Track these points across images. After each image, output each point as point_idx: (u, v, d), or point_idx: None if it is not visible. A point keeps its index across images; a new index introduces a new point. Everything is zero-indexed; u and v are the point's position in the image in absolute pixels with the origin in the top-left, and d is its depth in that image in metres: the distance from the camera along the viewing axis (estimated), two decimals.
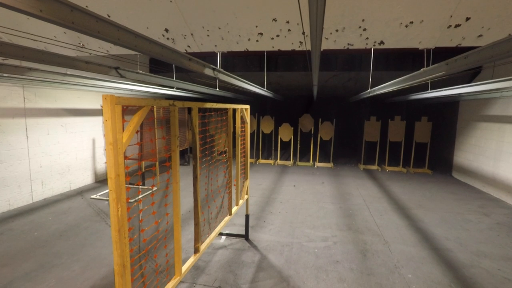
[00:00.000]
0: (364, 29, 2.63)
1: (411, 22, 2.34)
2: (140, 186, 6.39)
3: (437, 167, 9.41)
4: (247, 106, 3.60)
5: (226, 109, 3.02)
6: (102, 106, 1.31)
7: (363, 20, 2.42)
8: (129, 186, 6.38)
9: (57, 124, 6.16)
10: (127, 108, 1.53)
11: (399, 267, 3.57)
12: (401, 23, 2.40)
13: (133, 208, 4.64)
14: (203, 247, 2.47)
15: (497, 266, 3.66)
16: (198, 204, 2.34)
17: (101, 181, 7.43)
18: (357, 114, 10.26)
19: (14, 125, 5.29)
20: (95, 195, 4.00)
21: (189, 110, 2.18)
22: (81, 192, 6.42)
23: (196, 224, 2.37)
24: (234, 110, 3.28)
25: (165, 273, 1.98)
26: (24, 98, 5.43)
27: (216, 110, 2.83)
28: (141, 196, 5.81)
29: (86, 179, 6.99)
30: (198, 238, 2.38)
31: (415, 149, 9.25)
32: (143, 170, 7.02)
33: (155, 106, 2.00)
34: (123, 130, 1.41)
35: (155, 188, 6.11)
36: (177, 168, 1.93)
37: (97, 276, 3.20)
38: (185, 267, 2.14)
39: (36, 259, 3.54)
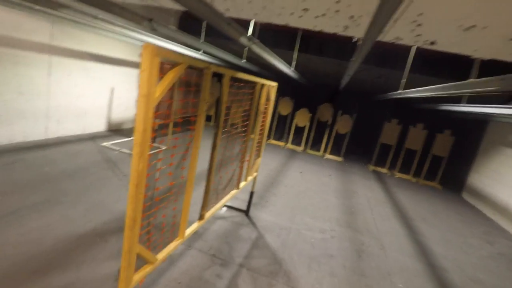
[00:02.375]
0: (419, 25, 2.43)
1: (473, 26, 2.15)
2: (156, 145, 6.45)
3: (448, 184, 9.21)
4: (275, 84, 3.48)
5: (255, 83, 2.92)
6: (140, 55, 1.26)
7: (420, 14, 2.23)
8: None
9: (79, 67, 6.14)
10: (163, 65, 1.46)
11: (392, 274, 3.56)
12: (461, 25, 2.21)
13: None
14: (207, 215, 2.47)
15: None
16: (212, 173, 2.31)
17: (113, 130, 7.50)
18: (379, 114, 9.98)
19: (38, 60, 5.28)
20: (107, 143, 4.04)
21: (219, 77, 2.11)
22: (93, 137, 6.51)
23: (206, 192, 2.36)
24: (262, 85, 3.17)
25: (170, 233, 1.99)
26: (51, 34, 5.38)
27: (246, 82, 2.73)
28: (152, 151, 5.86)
29: (100, 125, 7.05)
30: (205, 206, 2.37)
31: (430, 161, 9.03)
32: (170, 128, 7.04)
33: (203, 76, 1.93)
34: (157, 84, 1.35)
35: (164, 147, 6.14)
36: (201, 133, 1.88)
37: (99, 220, 3.27)
38: (188, 231, 2.14)
39: (44, 192, 3.64)
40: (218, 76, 2.78)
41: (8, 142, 5.01)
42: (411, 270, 3.75)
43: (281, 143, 10.21)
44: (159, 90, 1.35)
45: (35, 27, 5.06)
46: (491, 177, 7.59)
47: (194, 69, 1.72)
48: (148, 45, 1.22)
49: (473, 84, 2.51)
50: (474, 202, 8.04)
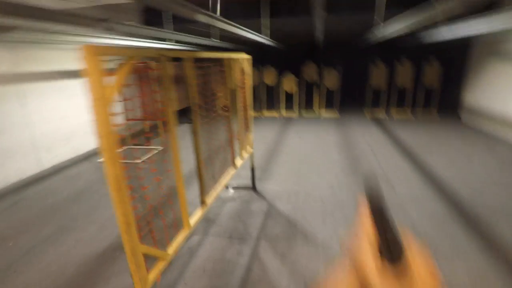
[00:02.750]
0: None
1: None
2: (147, 147, 6.43)
3: (445, 112, 9.20)
4: (248, 56, 3.39)
5: (224, 59, 2.84)
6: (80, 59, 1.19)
7: None
8: (136, 147, 6.37)
9: (53, 89, 5.99)
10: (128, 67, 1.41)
11: (404, 206, 3.64)
12: None
13: (137, 169, 4.69)
14: (209, 199, 2.49)
15: (498, 200, 3.71)
16: (200, 158, 2.30)
17: None
18: (364, 60, 9.78)
19: (8, 92, 5.13)
20: (102, 159, 3.99)
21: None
22: (87, 156, 6.49)
23: (200, 178, 2.36)
24: (233, 60, 3.09)
25: (174, 228, 2.01)
26: (13, 62, 5.21)
27: (212, 60, 2.66)
28: (147, 156, 5.85)
29: (90, 143, 7.00)
30: (203, 191, 2.38)
31: (423, 94, 8.96)
32: (148, 130, 6.99)
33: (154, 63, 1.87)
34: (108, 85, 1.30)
35: (160, 148, 6.14)
36: (172, 123, 1.84)
37: (114, 235, 3.32)
38: (193, 220, 2.17)
39: (53, 223, 3.67)
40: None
41: (4, 185, 5.01)
42: (421, 198, 3.83)
43: (275, 114, 10.13)
44: (112, 91, 1.31)
45: None
46: (485, 91, 7.56)
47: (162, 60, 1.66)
48: (86, 46, 1.16)
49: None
50: (473, 123, 8.06)
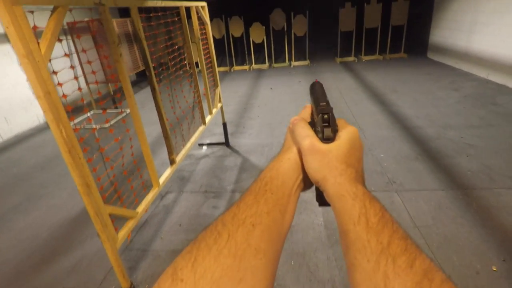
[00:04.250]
0: None
1: None
2: (114, 110, 6.15)
3: (413, 50, 9.29)
4: (203, 3, 3.15)
5: (177, 7, 2.62)
6: None
7: None
8: (97, 112, 6.09)
9: None
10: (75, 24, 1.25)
11: (372, 149, 3.80)
12: None
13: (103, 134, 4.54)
14: (178, 158, 2.48)
15: (460, 134, 3.95)
16: (163, 116, 2.23)
17: (68, 111, 7.06)
18: (332, 3, 9.42)
19: None
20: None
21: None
22: None
23: (166, 137, 2.32)
24: (188, 9, 2.86)
25: (145, 189, 2.01)
26: None
27: (163, 9, 2.45)
28: (114, 120, 5.62)
29: None
30: (171, 151, 2.36)
31: (391, 34, 8.90)
32: (112, 93, 6.63)
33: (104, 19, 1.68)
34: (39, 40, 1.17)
35: (128, 110, 5.90)
36: (126, 79, 1.74)
37: None
38: (162, 179, 2.17)
39: (21, 192, 3.58)
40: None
41: None
42: (388, 140, 4.01)
43: (246, 67, 9.84)
44: (44, 46, 1.18)
45: None
46: (450, 27, 7.62)
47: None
48: None
49: None
50: (439, 59, 8.24)
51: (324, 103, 0.43)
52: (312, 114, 0.46)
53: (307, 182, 0.42)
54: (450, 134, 4.01)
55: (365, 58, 9.29)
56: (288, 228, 0.38)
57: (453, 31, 7.42)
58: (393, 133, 4.19)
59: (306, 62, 9.56)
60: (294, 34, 9.28)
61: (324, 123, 0.41)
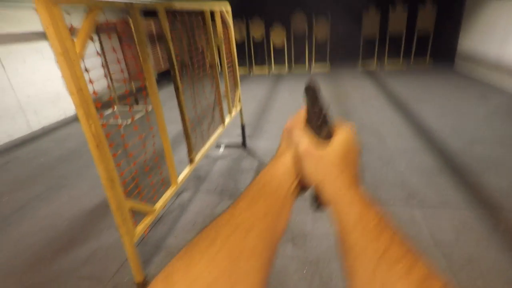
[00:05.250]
0: None
1: None
2: (137, 109, 6.32)
3: (439, 59, 9.02)
4: (227, 6, 3.19)
5: (202, 11, 2.68)
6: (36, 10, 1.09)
7: None
8: (123, 109, 6.25)
9: (32, 50, 5.71)
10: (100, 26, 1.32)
11: (392, 160, 3.71)
12: None
13: (126, 130, 4.67)
14: (197, 157, 2.52)
15: (488, 150, 3.79)
16: (185, 116, 2.27)
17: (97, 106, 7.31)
18: (355, 7, 9.30)
19: None
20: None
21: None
22: (76, 118, 6.39)
23: (187, 137, 2.36)
24: (213, 12, 2.91)
25: (164, 186, 2.06)
26: None
27: (189, 12, 2.50)
28: (137, 117, 5.77)
29: None
30: (190, 149, 2.40)
31: (417, 41, 8.68)
32: (135, 91, 6.82)
33: (130, 19, 1.75)
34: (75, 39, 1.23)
35: (150, 108, 6.04)
36: (152, 78, 1.79)
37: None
38: (181, 177, 2.21)
39: (45, 182, 3.73)
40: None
41: None
42: (410, 151, 3.90)
43: (265, 71, 9.88)
44: (79, 44, 1.24)
45: None
46: (481, 35, 7.32)
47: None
48: None
49: None
50: (468, 68, 7.95)
51: (319, 105, 0.43)
52: (307, 115, 0.46)
53: (303, 186, 0.42)
54: (477, 149, 3.85)
55: (388, 65, 9.12)
56: (282, 233, 0.38)
57: (484, 40, 7.14)
58: (415, 145, 4.08)
59: (327, 68, 9.48)
60: (315, 38, 9.24)
61: (320, 125, 0.41)
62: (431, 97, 6.12)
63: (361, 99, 6.27)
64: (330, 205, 0.37)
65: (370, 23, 8.70)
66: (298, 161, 0.41)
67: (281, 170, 0.41)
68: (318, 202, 0.40)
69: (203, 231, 0.34)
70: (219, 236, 0.32)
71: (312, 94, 0.47)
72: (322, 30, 9.07)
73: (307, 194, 0.45)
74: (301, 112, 0.48)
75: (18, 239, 2.74)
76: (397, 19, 8.52)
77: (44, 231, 2.82)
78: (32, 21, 5.67)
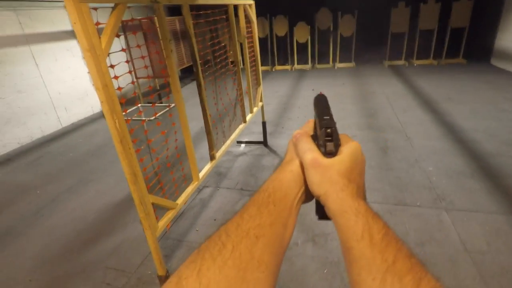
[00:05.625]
0: None
1: None
2: (161, 104, 6.46)
3: (473, 55, 8.52)
4: (251, 1, 3.17)
5: (226, 5, 2.66)
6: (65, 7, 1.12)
7: None
8: (146, 105, 6.41)
9: (62, 49, 5.97)
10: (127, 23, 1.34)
11: (420, 160, 3.55)
12: None
13: (149, 127, 4.77)
14: (218, 154, 2.52)
15: None
16: (207, 112, 2.28)
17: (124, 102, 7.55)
18: (383, 2, 8.96)
19: (20, 54, 5.18)
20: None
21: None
22: (103, 114, 6.62)
23: (208, 133, 2.37)
24: (236, 7, 2.89)
25: (185, 182, 2.07)
26: (20, 23, 5.16)
27: (213, 7, 2.50)
28: (159, 113, 5.90)
29: None
30: (212, 146, 2.41)
31: (450, 37, 8.23)
32: (158, 87, 6.97)
33: (156, 17, 1.77)
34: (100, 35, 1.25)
35: (173, 105, 6.15)
36: (175, 75, 1.80)
37: None
38: (202, 173, 2.22)
39: (74, 176, 3.90)
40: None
41: (30, 141, 5.27)
42: (440, 152, 3.72)
43: (288, 67, 9.78)
44: (105, 40, 1.26)
45: (0, 20, 4.85)
46: None
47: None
48: None
49: None
50: (505, 66, 7.47)
51: (328, 117, 0.43)
52: (315, 127, 0.46)
53: (308, 194, 0.42)
54: None
55: (417, 62, 8.74)
56: (289, 241, 0.38)
57: None
58: (445, 146, 3.88)
59: (352, 64, 9.24)
60: (340, 34, 9.01)
61: (327, 137, 0.41)
62: (464, 96, 5.80)
63: (387, 97, 6.05)
64: (336, 215, 0.37)
65: (399, 18, 8.36)
66: (304, 171, 0.41)
67: (288, 178, 0.42)
68: (322, 210, 0.40)
69: (215, 234, 0.35)
70: (229, 243, 0.33)
71: (321, 105, 0.48)
72: (347, 26, 8.84)
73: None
74: (310, 122, 0.49)
75: (50, 230, 2.88)
76: (429, 14, 8.12)
77: (73, 223, 2.95)
78: (63, 20, 5.92)
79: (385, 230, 0.33)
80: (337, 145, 0.41)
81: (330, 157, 0.40)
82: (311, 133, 0.46)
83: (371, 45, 10.07)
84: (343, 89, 6.93)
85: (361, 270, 0.31)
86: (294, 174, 0.42)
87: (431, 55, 8.69)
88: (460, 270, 2.08)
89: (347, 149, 0.41)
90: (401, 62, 8.92)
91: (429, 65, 8.59)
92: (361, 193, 0.40)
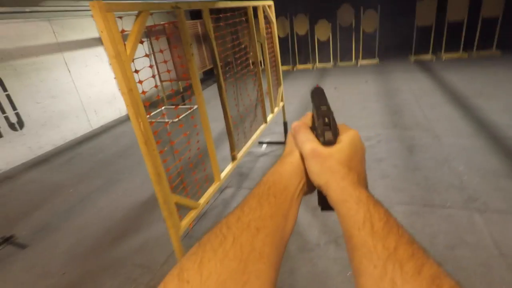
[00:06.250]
0: None
1: None
2: (183, 106, 6.61)
3: (508, 48, 8.01)
4: (270, 2, 3.17)
5: (245, 7, 2.69)
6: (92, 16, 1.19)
7: None
8: (169, 107, 6.57)
9: (92, 55, 6.27)
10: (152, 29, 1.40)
11: (450, 159, 3.40)
12: None
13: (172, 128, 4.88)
14: (239, 154, 2.55)
15: None
16: (228, 114, 2.31)
17: (145, 105, 7.80)
18: None
19: (54, 60, 5.50)
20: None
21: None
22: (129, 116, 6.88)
23: (229, 134, 2.40)
24: (255, 8, 2.91)
25: (207, 182, 2.12)
26: (54, 32, 5.47)
27: (232, 10, 2.53)
28: (182, 115, 6.04)
29: None
30: (233, 147, 2.44)
31: (481, 28, 7.78)
32: (181, 90, 7.13)
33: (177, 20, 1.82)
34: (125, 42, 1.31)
35: (195, 107, 6.27)
36: (196, 78, 1.84)
37: None
38: (223, 174, 2.25)
39: (103, 176, 4.08)
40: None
41: (63, 142, 5.59)
42: (470, 150, 3.54)
43: (309, 66, 9.67)
44: (129, 47, 1.32)
45: (36, 30, 5.18)
46: None
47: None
48: (94, 3, 1.15)
49: None
50: None
51: (325, 107, 0.44)
52: (313, 119, 0.47)
53: (310, 185, 0.42)
54: None
55: (446, 56, 8.34)
56: (290, 232, 0.38)
57: None
58: (477, 143, 3.68)
59: (375, 61, 8.98)
60: (363, 30, 8.79)
61: (325, 127, 0.41)
62: (498, 90, 5.47)
63: (414, 94, 5.83)
64: (337, 205, 0.37)
65: (425, 11, 8.01)
66: (304, 162, 0.41)
67: (289, 170, 0.42)
68: (324, 201, 0.40)
69: (216, 227, 0.35)
70: (230, 235, 0.33)
71: (318, 97, 0.48)
72: (370, 22, 8.60)
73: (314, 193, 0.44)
74: (308, 115, 0.49)
75: (82, 227, 3.04)
76: (458, 5, 7.72)
77: (102, 221, 3.09)
78: (91, 28, 6.22)
79: (386, 217, 0.33)
80: (336, 134, 0.42)
81: (329, 146, 0.40)
82: (310, 124, 0.47)
83: (396, 40, 9.73)
84: (367, 87, 6.76)
85: (362, 258, 0.31)
86: (294, 165, 0.42)
87: (461, 48, 8.26)
88: (495, 276, 1.97)
89: (345, 138, 0.41)
90: (428, 57, 8.55)
91: (458, 58, 8.18)
92: (362, 181, 0.40)
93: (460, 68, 7.24)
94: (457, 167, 3.24)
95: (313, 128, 0.44)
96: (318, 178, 0.39)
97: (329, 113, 0.42)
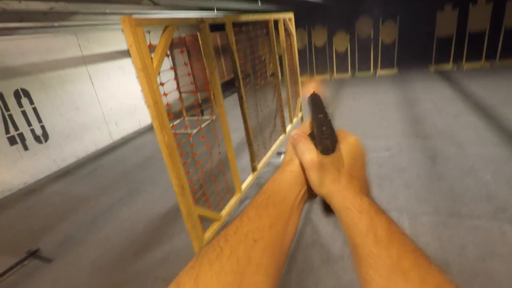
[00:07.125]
0: None
1: None
2: (204, 117, 6.70)
3: None
4: (290, 15, 3.20)
5: (266, 21, 2.72)
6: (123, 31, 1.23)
7: None
8: (191, 118, 6.67)
9: (114, 68, 6.49)
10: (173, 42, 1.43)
11: (475, 169, 3.26)
12: None
13: (194, 138, 4.94)
14: (259, 165, 2.53)
15: None
16: (248, 125, 2.31)
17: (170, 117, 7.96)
18: (427, 6, 8.52)
19: (79, 73, 5.72)
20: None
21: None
22: (150, 128, 7.03)
23: (250, 145, 2.39)
24: (276, 21, 2.94)
25: (228, 193, 2.11)
26: (79, 46, 5.71)
27: (254, 23, 2.56)
28: (201, 126, 6.11)
29: None
30: (253, 158, 2.42)
31: (503, 37, 7.56)
32: (200, 102, 7.24)
33: (198, 34, 1.86)
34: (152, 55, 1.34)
35: (214, 117, 6.33)
36: (218, 89, 1.86)
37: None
38: (244, 185, 2.24)
39: (124, 187, 4.15)
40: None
41: (85, 154, 5.75)
42: (497, 160, 3.38)
43: (327, 76, 9.63)
44: (156, 60, 1.34)
45: (63, 44, 5.42)
46: None
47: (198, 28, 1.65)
48: (125, 18, 1.19)
49: None
50: None
51: (322, 115, 0.43)
52: (311, 126, 0.46)
53: (311, 192, 0.42)
54: None
55: (467, 65, 8.12)
56: (291, 242, 0.38)
57: None
58: (504, 153, 3.52)
59: (394, 71, 8.85)
60: (382, 41, 8.71)
61: (323, 135, 0.41)
62: None
63: (434, 103, 5.68)
64: (340, 213, 0.37)
65: (446, 22, 7.86)
66: (304, 171, 0.41)
67: (288, 179, 0.41)
68: (328, 207, 0.40)
69: (214, 239, 0.35)
70: (227, 247, 0.32)
71: (315, 104, 0.47)
72: (389, 33, 8.52)
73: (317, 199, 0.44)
74: (306, 123, 0.49)
75: (105, 239, 3.07)
76: (479, 15, 7.55)
77: (125, 233, 3.12)
78: (115, 41, 6.46)
79: (389, 225, 0.33)
80: (334, 142, 0.41)
81: (328, 154, 0.40)
82: (309, 131, 0.46)
83: (415, 50, 9.58)
84: (385, 96, 6.64)
85: (368, 268, 0.31)
86: (294, 174, 0.42)
87: (483, 57, 8.03)
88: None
89: (345, 145, 0.41)
90: (448, 66, 8.35)
91: (480, 68, 7.93)
92: (364, 188, 0.39)
93: (482, 77, 7.02)
94: (484, 177, 3.10)
95: (311, 136, 0.44)
96: (320, 188, 0.39)
97: (326, 121, 0.42)
